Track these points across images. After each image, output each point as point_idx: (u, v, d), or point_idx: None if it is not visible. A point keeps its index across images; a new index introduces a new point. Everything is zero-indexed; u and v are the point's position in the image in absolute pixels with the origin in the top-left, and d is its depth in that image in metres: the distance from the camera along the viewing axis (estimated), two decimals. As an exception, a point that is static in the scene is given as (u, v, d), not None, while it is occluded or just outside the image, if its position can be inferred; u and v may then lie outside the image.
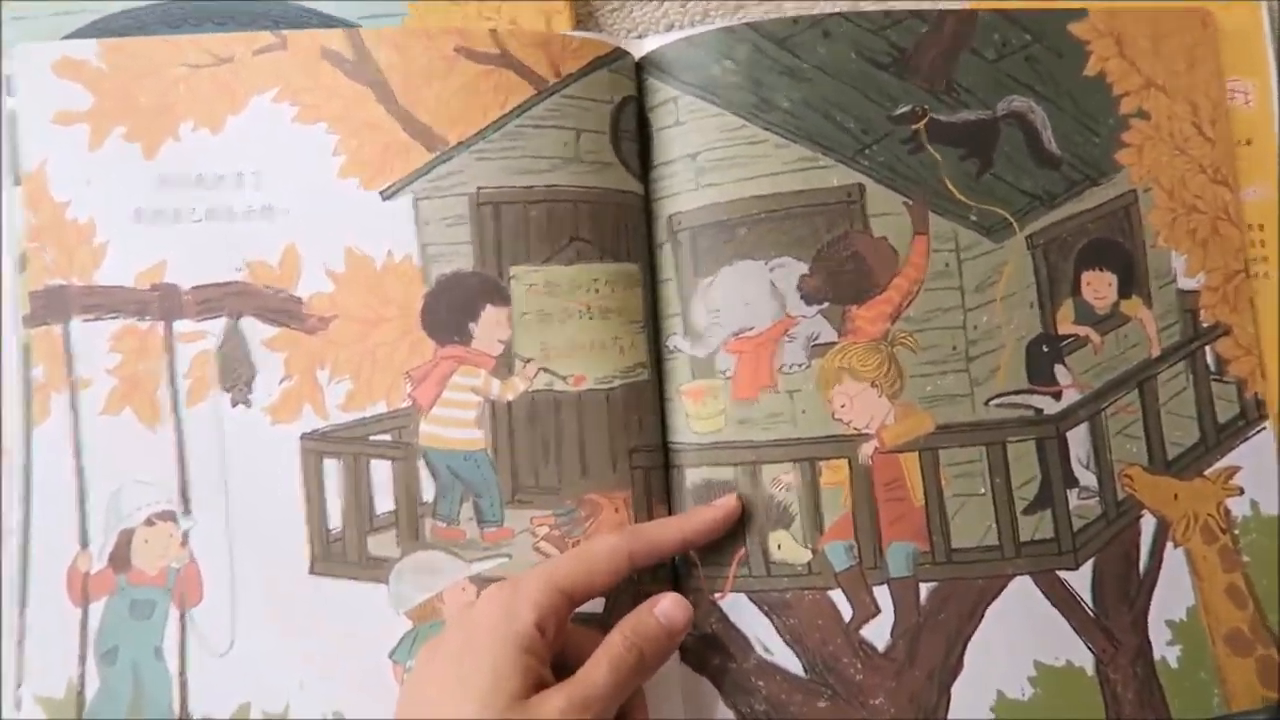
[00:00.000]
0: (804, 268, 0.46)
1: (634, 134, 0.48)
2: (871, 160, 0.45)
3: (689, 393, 0.46)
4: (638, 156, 0.48)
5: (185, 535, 0.46)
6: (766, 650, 0.44)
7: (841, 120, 0.46)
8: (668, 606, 0.41)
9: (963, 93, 0.46)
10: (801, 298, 0.46)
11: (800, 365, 0.46)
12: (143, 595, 0.45)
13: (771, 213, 0.45)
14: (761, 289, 0.46)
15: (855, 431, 0.45)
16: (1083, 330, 0.47)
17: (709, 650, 0.45)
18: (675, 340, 0.47)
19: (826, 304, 0.46)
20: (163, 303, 0.47)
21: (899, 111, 0.46)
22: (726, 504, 0.44)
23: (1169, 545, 0.46)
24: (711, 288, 0.46)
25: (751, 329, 0.46)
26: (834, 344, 0.46)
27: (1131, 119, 0.48)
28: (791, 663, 0.44)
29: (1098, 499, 0.46)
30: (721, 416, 0.45)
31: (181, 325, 0.47)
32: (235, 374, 0.47)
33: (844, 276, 0.46)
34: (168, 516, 0.46)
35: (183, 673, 0.45)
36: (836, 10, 0.47)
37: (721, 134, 0.46)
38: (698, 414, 0.46)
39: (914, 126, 0.46)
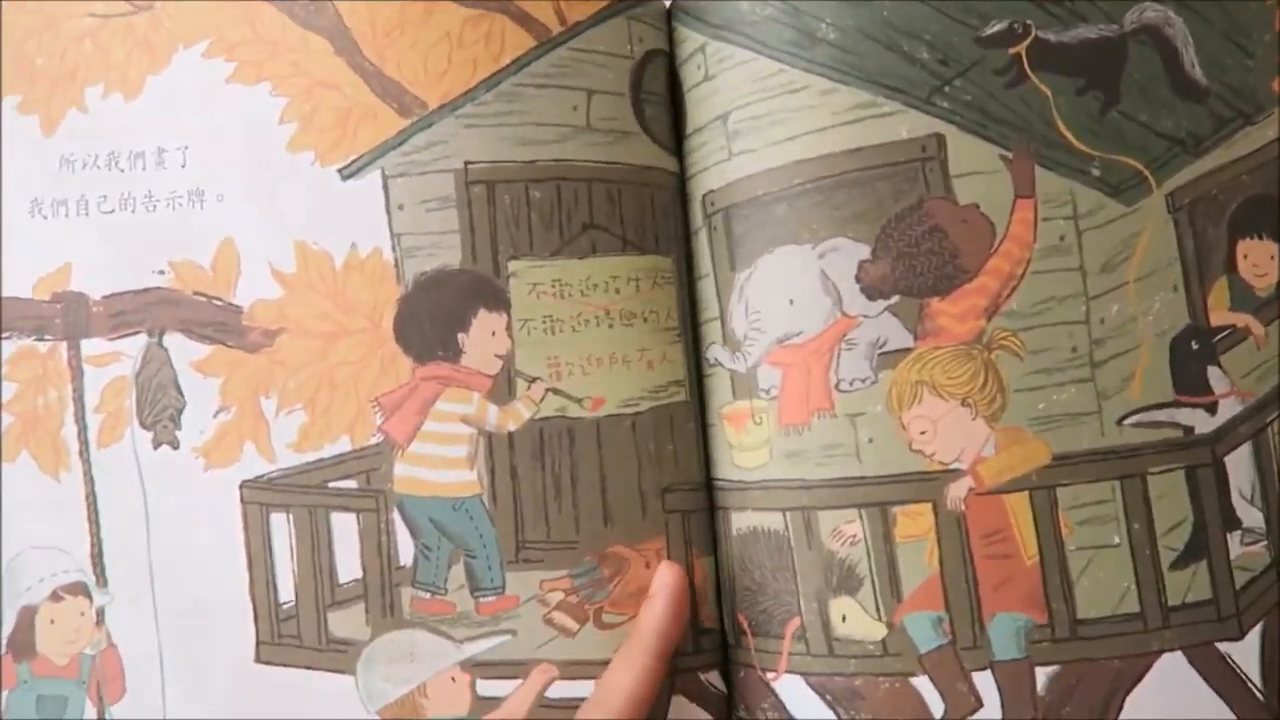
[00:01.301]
0: (865, 251, 0.40)
1: (663, 97, 0.43)
2: (954, 100, 0.38)
3: (729, 417, 0.41)
4: (670, 125, 0.43)
5: (100, 613, 0.41)
6: (833, 752, 0.39)
7: (910, 49, 0.39)
8: None
9: (1077, 0, 0.40)
10: (862, 291, 0.40)
11: (864, 380, 0.40)
12: (51, 689, 0.41)
13: (819, 181, 0.39)
14: (810, 282, 0.40)
15: (941, 466, 0.39)
16: (1241, 319, 0.41)
17: None
18: (714, 351, 0.42)
19: (897, 298, 0.40)
20: (67, 316, 0.41)
21: (991, 30, 0.39)
22: (665, 580, 0.39)
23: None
24: (749, 283, 0.40)
25: (799, 335, 0.40)
26: (909, 351, 0.40)
27: None
28: (865, 772, 0.39)
29: (1265, 543, 0.40)
30: (766, 448, 0.40)
31: (91, 345, 0.42)
32: (158, 406, 0.41)
33: (919, 260, 0.39)
34: (78, 589, 0.41)
35: (104, 786, 0.40)
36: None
37: (754, 85, 0.40)
38: (740, 444, 0.40)
39: (1012, 50, 0.39)
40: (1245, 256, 0.41)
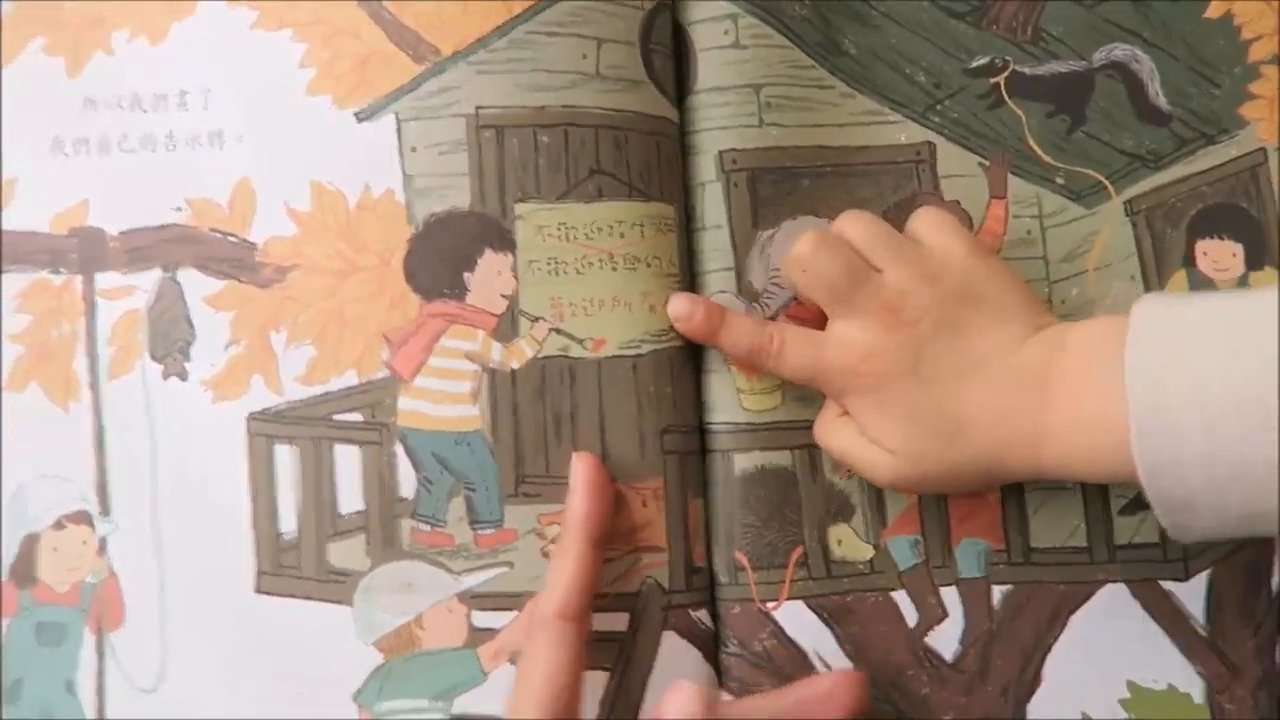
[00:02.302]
0: None
1: (668, 50, 0.43)
2: (943, 117, 0.43)
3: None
4: (674, 77, 0.43)
5: (103, 542, 0.40)
6: (825, 665, 0.40)
7: (911, 73, 0.43)
8: None
9: (1052, 42, 0.44)
10: (866, 264, 0.43)
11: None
12: (51, 616, 0.40)
13: (837, 167, 0.42)
14: (825, 251, 0.43)
15: (924, 412, 0.42)
16: None
17: (758, 672, 0.40)
18: (724, 299, 0.42)
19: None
20: (83, 251, 0.41)
21: (976, 64, 0.43)
22: (577, 470, 0.38)
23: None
24: (771, 242, 0.42)
25: (813, 294, 0.43)
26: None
27: (1263, 65, 0.44)
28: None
29: None
30: (780, 392, 0.41)
31: (105, 279, 0.41)
32: (169, 339, 0.41)
33: None
34: (81, 518, 0.40)
35: (101, 712, 0.39)
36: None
37: (790, 70, 0.43)
38: (752, 389, 0.41)
39: (993, 80, 0.43)
40: (1205, 254, 0.43)
